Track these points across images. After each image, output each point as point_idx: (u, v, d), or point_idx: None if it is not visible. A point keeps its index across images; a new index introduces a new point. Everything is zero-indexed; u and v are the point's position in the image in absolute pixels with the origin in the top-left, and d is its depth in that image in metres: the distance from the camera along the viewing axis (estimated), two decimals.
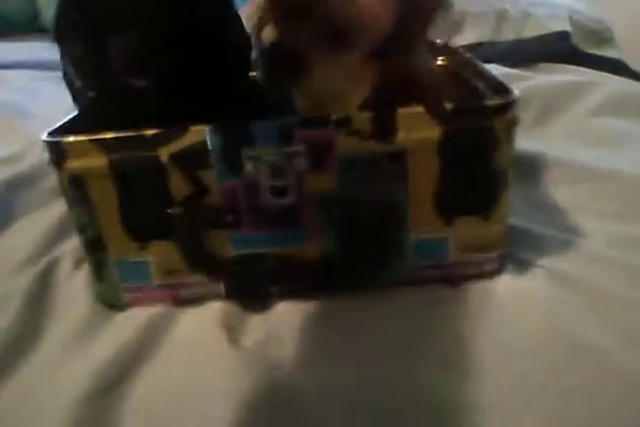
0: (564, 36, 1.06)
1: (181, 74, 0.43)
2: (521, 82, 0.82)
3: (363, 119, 0.40)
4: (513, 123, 0.42)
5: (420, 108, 0.40)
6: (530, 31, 1.04)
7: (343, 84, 0.43)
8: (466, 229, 0.45)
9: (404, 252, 0.46)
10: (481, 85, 0.48)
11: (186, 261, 0.45)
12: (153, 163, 0.41)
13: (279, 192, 0.42)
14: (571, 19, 1.07)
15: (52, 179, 0.64)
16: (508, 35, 1.01)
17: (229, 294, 0.47)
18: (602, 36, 1.10)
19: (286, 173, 0.42)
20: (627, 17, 1.34)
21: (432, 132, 0.41)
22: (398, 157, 0.41)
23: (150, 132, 0.41)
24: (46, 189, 0.65)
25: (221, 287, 0.47)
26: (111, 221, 0.44)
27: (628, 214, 0.53)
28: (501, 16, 1.04)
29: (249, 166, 0.41)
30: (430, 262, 0.47)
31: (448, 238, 0.46)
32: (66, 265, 0.53)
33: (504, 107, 0.41)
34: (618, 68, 1.09)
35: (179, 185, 0.42)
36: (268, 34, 0.42)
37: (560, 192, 0.59)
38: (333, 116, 0.40)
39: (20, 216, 0.62)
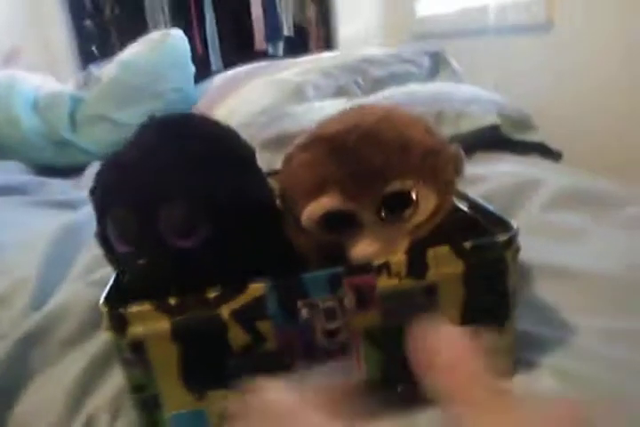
0: (494, 127, 1.20)
1: (222, 235, 0.47)
2: (475, 186, 0.91)
3: (399, 263, 0.46)
4: (517, 251, 0.49)
5: (444, 248, 0.47)
6: (465, 127, 1.17)
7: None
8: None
9: None
10: (480, 218, 0.56)
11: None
12: (214, 321, 0.45)
13: (332, 333, 0.47)
14: (498, 112, 1.22)
15: (62, 330, 0.64)
16: (447, 131, 1.12)
17: None
18: (525, 123, 1.25)
19: (338, 316, 0.46)
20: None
21: (457, 267, 0.47)
22: (431, 290, 0.47)
23: (213, 293, 0.44)
24: (58, 342, 0.63)
25: None
26: (170, 378, 0.46)
27: (610, 310, 0.60)
28: (438, 116, 1.17)
29: (304, 314, 0.46)
30: None
31: None
32: (103, 422, 0.53)
33: (511, 240, 0.48)
34: (542, 149, 1.25)
35: (237, 337, 0.45)
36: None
37: (542, 290, 0.65)
38: (375, 264, 0.46)
39: (37, 373, 0.60)
